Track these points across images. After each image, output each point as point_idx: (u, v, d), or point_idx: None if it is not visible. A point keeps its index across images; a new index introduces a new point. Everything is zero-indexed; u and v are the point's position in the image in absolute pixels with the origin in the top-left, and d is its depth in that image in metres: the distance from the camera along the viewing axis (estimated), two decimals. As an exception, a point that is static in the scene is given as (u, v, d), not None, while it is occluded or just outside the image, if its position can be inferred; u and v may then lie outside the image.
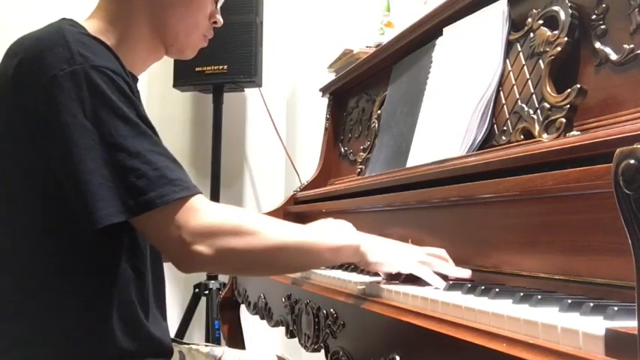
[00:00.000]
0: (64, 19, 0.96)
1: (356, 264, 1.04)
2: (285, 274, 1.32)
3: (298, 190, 1.95)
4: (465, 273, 0.97)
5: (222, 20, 1.13)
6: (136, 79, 1.07)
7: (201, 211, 0.88)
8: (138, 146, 0.87)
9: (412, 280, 0.97)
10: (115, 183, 0.85)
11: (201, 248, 0.87)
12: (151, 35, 1.05)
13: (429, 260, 0.97)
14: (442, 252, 1.02)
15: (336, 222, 1.07)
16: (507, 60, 1.14)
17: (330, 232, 1.00)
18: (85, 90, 0.86)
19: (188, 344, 1.24)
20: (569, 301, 0.65)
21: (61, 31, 0.91)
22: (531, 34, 1.08)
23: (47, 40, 0.90)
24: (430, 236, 1.15)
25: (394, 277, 1.02)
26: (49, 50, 0.88)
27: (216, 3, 1.12)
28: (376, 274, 1.08)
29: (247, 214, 0.95)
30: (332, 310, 1.03)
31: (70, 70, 0.86)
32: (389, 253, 0.99)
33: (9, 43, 0.97)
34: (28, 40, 0.93)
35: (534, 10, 1.09)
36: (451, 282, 0.91)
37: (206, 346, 1.25)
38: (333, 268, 1.28)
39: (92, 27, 0.99)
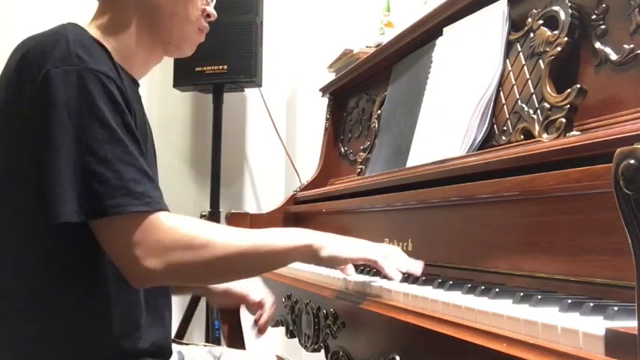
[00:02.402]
0: (69, 23, 0.98)
1: (310, 262, 1.05)
2: (248, 279, 1.32)
3: (298, 190, 1.95)
4: (417, 267, 1.00)
5: (215, 13, 1.13)
6: (137, 84, 1.08)
7: (157, 228, 0.89)
8: (109, 153, 0.87)
9: (375, 272, 1.00)
10: (77, 184, 0.86)
11: (152, 264, 0.88)
12: (148, 37, 1.06)
13: (383, 251, 1.00)
14: (395, 248, 1.05)
15: (293, 228, 1.10)
16: (507, 60, 1.14)
17: (281, 235, 1.01)
18: (74, 89, 0.88)
19: (187, 344, 1.24)
20: (569, 301, 0.65)
21: (64, 31, 0.93)
22: (531, 34, 1.08)
23: (49, 39, 0.92)
24: (430, 236, 1.15)
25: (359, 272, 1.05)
26: (50, 48, 0.90)
27: None
28: (376, 274, 1.08)
29: (202, 227, 0.95)
30: (332, 310, 1.03)
31: (65, 69, 0.88)
32: (340, 245, 1.00)
33: (10, 44, 0.98)
34: (33, 40, 0.94)
35: (534, 10, 1.09)
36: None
37: (205, 345, 1.25)
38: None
39: (94, 32, 1.00)
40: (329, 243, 0.99)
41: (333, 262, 1.01)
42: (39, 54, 0.90)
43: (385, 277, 0.98)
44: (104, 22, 1.03)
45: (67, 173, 0.86)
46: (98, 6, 1.06)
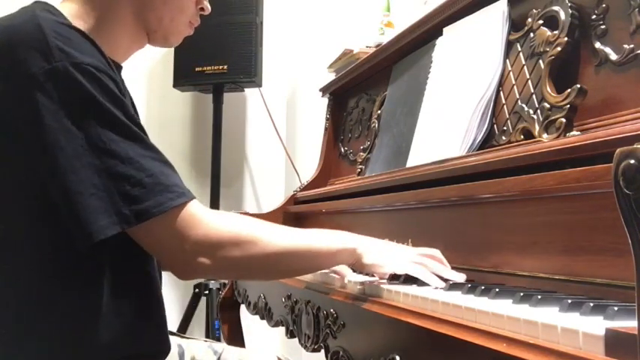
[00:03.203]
0: (37, 2, 0.89)
1: (351, 266, 1.04)
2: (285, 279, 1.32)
3: (298, 190, 1.95)
4: (460, 277, 0.95)
5: (209, 7, 1.07)
6: (120, 67, 1.01)
7: (200, 221, 0.87)
8: (130, 151, 0.82)
9: (411, 280, 0.97)
10: (108, 192, 0.80)
11: (202, 259, 0.87)
12: (134, 19, 0.98)
13: (423, 261, 0.97)
14: (436, 252, 1.01)
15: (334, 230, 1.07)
16: (507, 60, 1.14)
17: (326, 237, 0.99)
18: (68, 91, 0.80)
19: (188, 338, 1.23)
20: (569, 301, 0.65)
21: (36, 19, 0.83)
22: (531, 34, 1.08)
23: (21, 31, 0.82)
24: (430, 236, 1.15)
25: (394, 278, 1.02)
26: (24, 44, 0.81)
27: None
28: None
29: (245, 222, 0.94)
30: (332, 310, 1.03)
31: (50, 68, 0.80)
32: (384, 254, 0.98)
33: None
34: None
35: (534, 10, 1.09)
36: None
37: (205, 341, 1.24)
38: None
39: (69, 10, 0.92)
40: (373, 250, 0.98)
41: (374, 270, 0.99)
42: (9, 47, 0.81)
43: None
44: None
45: (92, 185, 0.80)
46: None
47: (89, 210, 0.80)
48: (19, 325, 0.88)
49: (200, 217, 0.87)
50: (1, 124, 0.84)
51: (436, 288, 0.90)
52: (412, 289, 0.88)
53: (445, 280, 0.93)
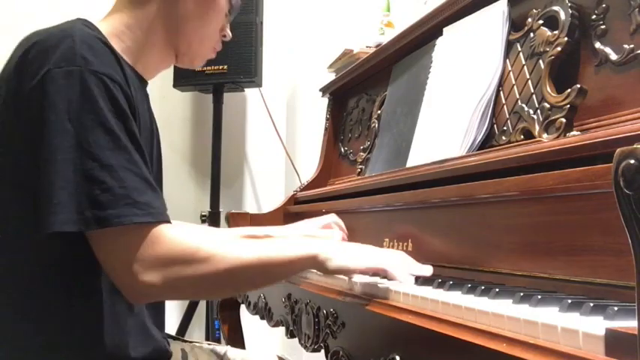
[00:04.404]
0: (79, 19, 0.96)
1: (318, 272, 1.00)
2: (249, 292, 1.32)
3: (298, 190, 1.95)
4: (427, 270, 0.97)
5: (230, 34, 1.17)
6: (145, 83, 1.08)
7: (156, 241, 0.85)
8: (112, 159, 0.84)
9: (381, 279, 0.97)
10: (77, 191, 0.82)
11: (149, 278, 0.84)
12: (165, 43, 1.07)
13: (389, 258, 0.97)
14: (403, 254, 1.02)
15: (298, 236, 1.08)
16: (507, 60, 1.14)
17: (285, 246, 0.96)
18: (76, 90, 0.84)
19: (191, 342, 1.23)
20: (569, 301, 0.65)
21: (72, 30, 0.90)
22: (531, 34, 1.08)
23: (55, 36, 0.89)
24: (430, 236, 1.15)
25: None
26: (54, 47, 0.87)
27: (227, 17, 1.15)
28: (375, 275, 1.07)
29: (203, 240, 0.89)
30: (332, 310, 1.03)
31: (67, 70, 0.85)
32: (347, 255, 0.96)
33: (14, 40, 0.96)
34: (38, 35, 0.91)
35: (534, 10, 1.09)
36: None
37: (209, 344, 1.25)
38: None
39: (108, 28, 0.99)
40: (335, 253, 0.95)
41: (341, 273, 0.98)
42: (42, 51, 0.87)
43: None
44: (124, 17, 1.02)
45: (66, 179, 0.82)
46: (120, 0, 1.04)
47: (55, 201, 0.81)
48: (12, 334, 0.89)
49: (160, 237, 0.85)
50: (19, 115, 0.88)
51: (401, 283, 0.91)
52: (412, 289, 0.88)
53: (416, 278, 0.94)
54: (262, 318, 1.54)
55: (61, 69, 0.85)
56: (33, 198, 0.85)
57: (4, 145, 0.90)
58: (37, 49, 0.88)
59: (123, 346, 0.93)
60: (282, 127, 2.96)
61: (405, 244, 1.21)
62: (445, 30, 1.37)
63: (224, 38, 1.17)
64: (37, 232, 0.83)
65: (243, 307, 1.79)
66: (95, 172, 0.83)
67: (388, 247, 1.27)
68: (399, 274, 0.93)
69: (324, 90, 2.07)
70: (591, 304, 0.62)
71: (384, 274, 0.96)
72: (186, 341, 1.24)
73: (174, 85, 2.68)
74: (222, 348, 1.22)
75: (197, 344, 1.22)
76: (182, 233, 0.88)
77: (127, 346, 0.94)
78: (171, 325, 2.41)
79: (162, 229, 0.86)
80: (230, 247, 0.91)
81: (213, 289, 0.96)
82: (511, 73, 1.12)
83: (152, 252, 0.84)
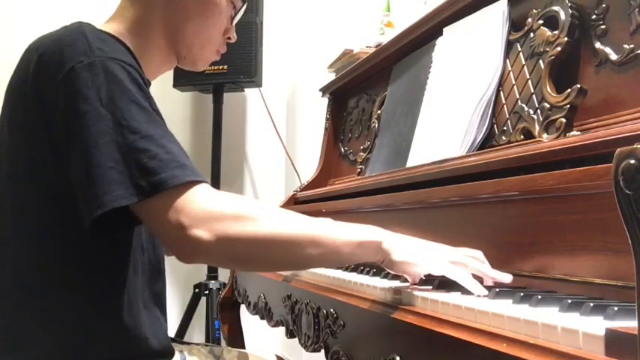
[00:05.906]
0: (80, 22, 0.97)
1: (378, 264, 0.91)
2: (294, 271, 1.28)
3: (298, 190, 1.95)
4: (506, 277, 0.86)
5: (236, 36, 1.16)
6: (148, 84, 1.07)
7: (203, 197, 0.85)
8: (151, 130, 0.86)
9: (446, 286, 0.86)
10: (126, 166, 0.83)
11: (200, 233, 0.82)
12: (167, 45, 1.07)
13: (464, 261, 0.87)
14: (479, 254, 0.90)
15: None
16: (507, 60, 1.14)
17: (349, 227, 0.90)
18: (101, 78, 0.87)
19: (189, 344, 1.24)
20: (569, 301, 0.65)
21: (81, 28, 0.93)
22: (531, 34, 1.08)
23: (67, 37, 0.91)
24: (430, 236, 1.15)
25: (425, 282, 0.90)
26: (69, 46, 0.89)
27: (232, 20, 1.14)
28: (395, 277, 1.01)
29: (254, 201, 0.93)
30: (332, 310, 1.03)
31: (89, 62, 0.87)
32: (417, 251, 0.88)
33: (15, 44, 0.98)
34: (49, 38, 0.93)
35: (534, 10, 1.09)
36: (497, 290, 0.80)
37: (206, 345, 1.25)
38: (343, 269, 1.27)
39: (110, 31, 1.00)
40: (404, 246, 0.88)
41: (406, 270, 0.89)
42: (57, 52, 0.89)
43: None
44: (125, 20, 1.03)
45: (112, 159, 0.83)
46: (122, 4, 1.06)
47: (106, 181, 0.82)
48: (17, 320, 0.92)
49: (205, 194, 0.86)
50: (42, 116, 0.90)
51: (478, 296, 0.80)
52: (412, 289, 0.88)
53: (488, 288, 0.82)
54: (262, 318, 1.54)
55: (82, 63, 0.87)
56: (50, 196, 0.88)
57: (22, 142, 0.93)
58: (51, 51, 0.90)
59: (141, 339, 0.96)
60: (282, 127, 2.96)
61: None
62: (445, 30, 1.37)
63: (229, 41, 1.16)
64: (84, 222, 0.84)
65: (243, 307, 1.79)
66: (139, 143, 0.85)
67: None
68: (472, 287, 0.82)
69: (324, 90, 2.07)
70: (591, 304, 0.62)
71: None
72: (184, 342, 1.24)
73: (175, 85, 2.68)
74: (219, 349, 1.22)
75: (195, 346, 1.22)
76: (231, 194, 0.91)
77: (146, 340, 0.96)
78: (172, 325, 2.41)
79: (206, 187, 0.87)
80: (285, 213, 0.91)
81: (266, 255, 0.88)
82: (511, 73, 1.12)
83: (200, 205, 0.84)
